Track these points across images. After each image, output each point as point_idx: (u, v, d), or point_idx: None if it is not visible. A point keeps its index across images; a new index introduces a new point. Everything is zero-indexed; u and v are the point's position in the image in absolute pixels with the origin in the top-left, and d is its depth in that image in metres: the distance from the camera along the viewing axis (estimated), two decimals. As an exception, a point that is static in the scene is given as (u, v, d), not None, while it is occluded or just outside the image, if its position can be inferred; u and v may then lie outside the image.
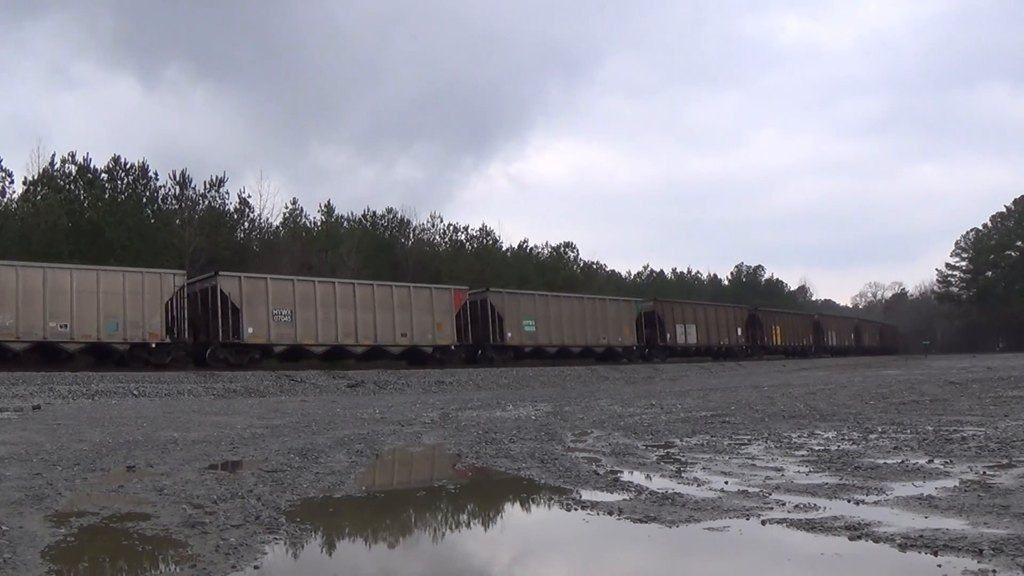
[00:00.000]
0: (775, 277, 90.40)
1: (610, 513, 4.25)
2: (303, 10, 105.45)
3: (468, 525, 4.71)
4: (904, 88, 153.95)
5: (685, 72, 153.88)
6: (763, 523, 3.87)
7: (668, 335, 36.15)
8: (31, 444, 7.59)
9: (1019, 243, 79.56)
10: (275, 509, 4.40)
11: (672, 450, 6.77)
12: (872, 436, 7.33)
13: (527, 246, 53.64)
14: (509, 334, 28.65)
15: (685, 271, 77.77)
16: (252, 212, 38.33)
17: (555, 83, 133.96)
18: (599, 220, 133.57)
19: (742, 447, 6.83)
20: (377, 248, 40.73)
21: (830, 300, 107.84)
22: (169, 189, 35.23)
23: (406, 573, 3.67)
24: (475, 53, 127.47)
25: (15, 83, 72.99)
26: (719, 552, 3.56)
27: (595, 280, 55.29)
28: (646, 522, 4.00)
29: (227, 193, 36.91)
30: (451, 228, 47.49)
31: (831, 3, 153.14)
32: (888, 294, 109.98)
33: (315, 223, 41.42)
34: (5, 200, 31.03)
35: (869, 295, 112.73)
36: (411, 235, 44.79)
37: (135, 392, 17.00)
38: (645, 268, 71.90)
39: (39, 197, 30.25)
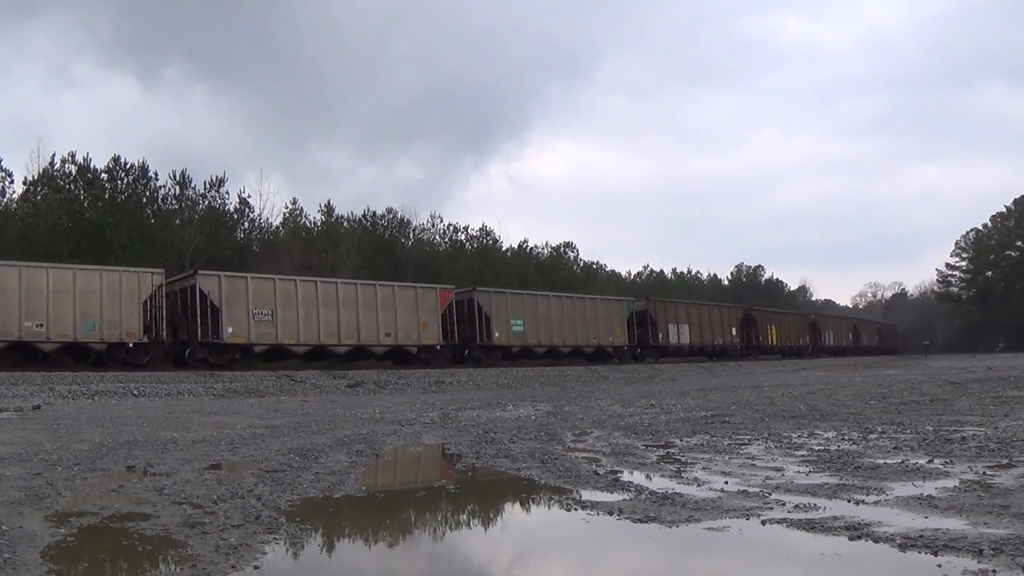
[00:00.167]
0: (775, 277, 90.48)
1: (610, 513, 4.25)
2: (302, 10, 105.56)
3: (468, 525, 4.71)
4: (904, 88, 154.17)
5: (685, 72, 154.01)
6: (763, 523, 3.87)
7: (660, 335, 35.79)
8: (31, 444, 7.59)
9: (1019, 243, 79.57)
10: (275, 509, 4.40)
11: (672, 450, 6.77)
12: (872, 436, 7.34)
13: (527, 246, 53.71)
14: (496, 334, 28.31)
15: (685, 271, 77.83)
16: (252, 212, 38.41)
17: (555, 83, 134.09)
18: (599, 220, 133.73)
19: (742, 447, 6.83)
20: (377, 248, 40.75)
21: (830, 300, 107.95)
22: (169, 189, 35.31)
23: (406, 573, 3.67)
24: (475, 53, 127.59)
25: (15, 83, 73.05)
26: (719, 552, 3.56)
27: (595, 280, 55.28)
28: (646, 522, 4.00)
29: (227, 193, 36.99)
30: (451, 228, 47.58)
31: (831, 3, 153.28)
32: (888, 294, 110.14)
33: (315, 223, 41.48)
34: (5, 200, 31.08)
35: (869, 295, 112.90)
36: (411, 235, 44.84)
37: (135, 392, 17.01)
38: (645, 268, 71.99)
39: (39, 197, 30.26)
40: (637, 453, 6.66)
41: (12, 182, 31.33)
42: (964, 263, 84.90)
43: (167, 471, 5.82)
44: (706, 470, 5.58)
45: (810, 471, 5.39)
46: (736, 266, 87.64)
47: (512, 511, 5.03)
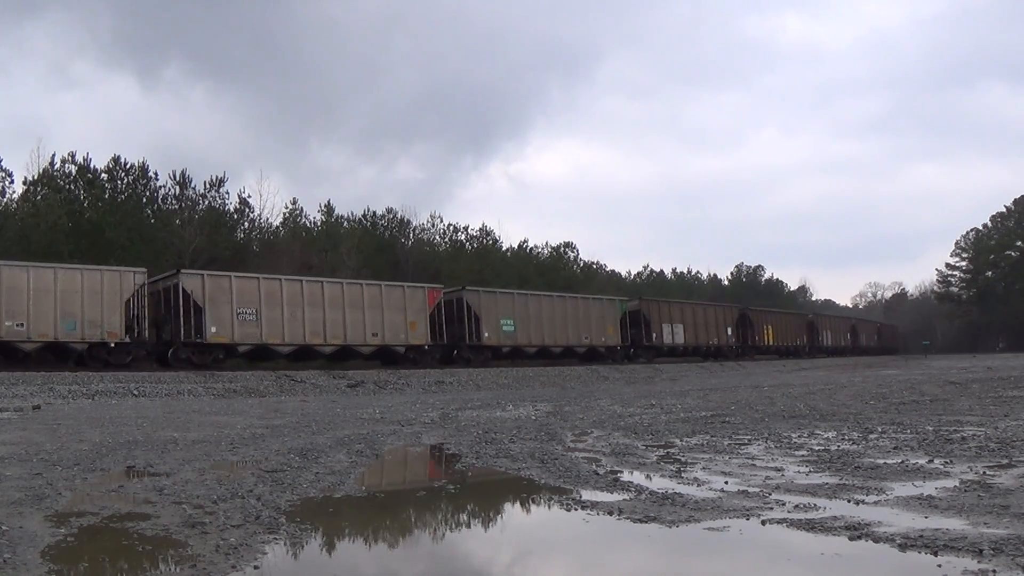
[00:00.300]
0: (775, 277, 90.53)
1: (610, 513, 4.25)
2: (302, 9, 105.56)
3: (468, 525, 4.71)
4: (904, 88, 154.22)
5: (685, 72, 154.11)
6: (763, 523, 3.87)
7: (654, 335, 35.33)
8: (31, 444, 7.59)
9: (1019, 243, 79.56)
10: (275, 509, 4.40)
11: (672, 450, 6.77)
12: (872, 436, 7.34)
13: (527, 246, 53.74)
14: (486, 334, 27.92)
15: (685, 271, 77.88)
16: (252, 212, 38.42)
17: (555, 83, 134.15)
18: (599, 220, 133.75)
19: (742, 447, 6.83)
20: (377, 248, 40.76)
21: (830, 300, 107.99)
22: (169, 189, 35.34)
23: (406, 573, 3.67)
24: (475, 53, 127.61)
25: (14, 83, 73.08)
26: (719, 552, 3.56)
27: (595, 280, 55.30)
28: (646, 522, 4.00)
29: (227, 193, 37.02)
30: (451, 228, 47.59)
31: (831, 3, 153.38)
32: (888, 294, 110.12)
33: (315, 223, 41.50)
34: (5, 200, 31.09)
35: (869, 295, 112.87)
36: (411, 235, 44.85)
37: (135, 392, 17.01)
38: (645, 268, 72.03)
39: (39, 197, 30.27)
40: (637, 453, 6.66)
41: (12, 182, 31.41)
42: (964, 263, 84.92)
43: (167, 471, 5.82)
44: (706, 470, 5.58)
45: (810, 471, 5.39)
46: (736, 266, 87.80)
47: (512, 511, 5.03)
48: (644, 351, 34.70)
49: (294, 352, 23.65)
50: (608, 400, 14.53)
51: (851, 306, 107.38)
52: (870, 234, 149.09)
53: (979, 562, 3.02)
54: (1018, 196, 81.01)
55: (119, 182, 33.81)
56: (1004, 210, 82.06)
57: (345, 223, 42.26)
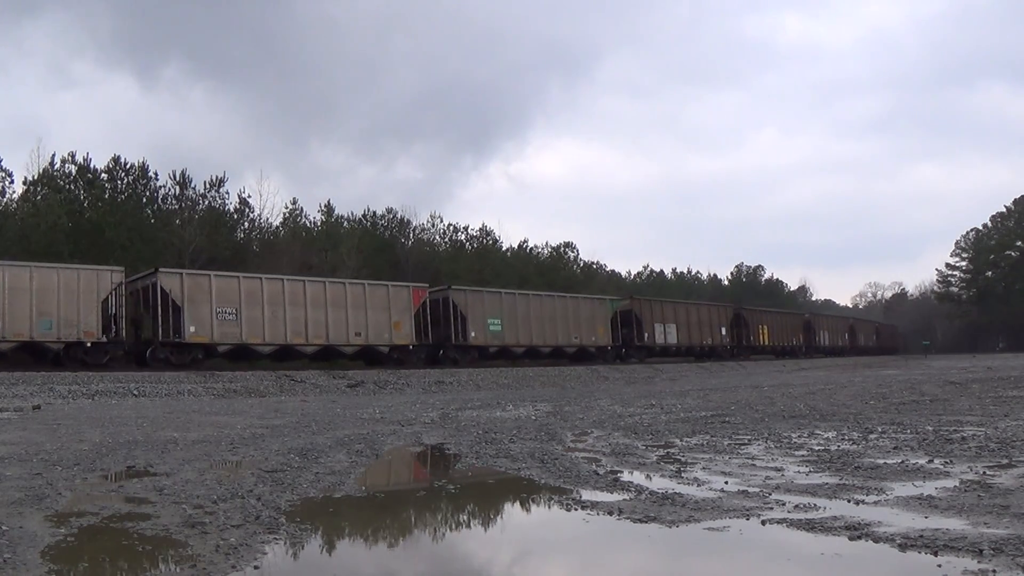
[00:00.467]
0: (775, 277, 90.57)
1: (610, 513, 4.25)
2: (302, 9, 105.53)
3: (468, 525, 4.71)
4: (904, 88, 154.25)
5: (685, 72, 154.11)
6: (763, 523, 3.88)
7: (646, 335, 34.79)
8: (31, 444, 7.59)
9: (1019, 243, 79.61)
10: (275, 509, 4.40)
11: (672, 450, 6.77)
12: (872, 436, 7.34)
13: (527, 246, 53.71)
14: (473, 333, 27.53)
15: (685, 271, 77.89)
16: (252, 212, 38.40)
17: (555, 82, 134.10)
18: (599, 220, 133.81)
19: (742, 447, 6.83)
20: (377, 248, 40.75)
21: (830, 300, 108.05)
22: (169, 189, 35.30)
23: (406, 573, 3.67)
24: (475, 53, 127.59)
25: (14, 83, 73.05)
26: (719, 552, 3.56)
27: (595, 280, 55.30)
28: (646, 522, 4.01)
29: (227, 193, 36.97)
30: (451, 228, 47.56)
31: (831, 3, 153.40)
32: (888, 294, 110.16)
33: (315, 223, 41.48)
34: (5, 200, 31.07)
35: (869, 295, 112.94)
36: (411, 235, 44.82)
37: (135, 392, 17.01)
38: (645, 268, 72.02)
39: (39, 197, 30.25)
40: (637, 453, 6.66)
41: (12, 182, 31.39)
42: (964, 263, 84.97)
43: (167, 471, 5.82)
44: (706, 470, 5.58)
45: (810, 471, 5.39)
46: (736, 266, 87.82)
47: (512, 511, 5.03)
48: (636, 351, 34.19)
49: (275, 352, 23.33)
50: (608, 400, 14.54)
51: (851, 306, 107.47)
52: (870, 234, 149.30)
53: (979, 562, 3.02)
54: (1018, 196, 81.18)
55: (119, 182, 33.80)
56: (1004, 210, 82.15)
57: (345, 223, 42.25)
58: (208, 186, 36.07)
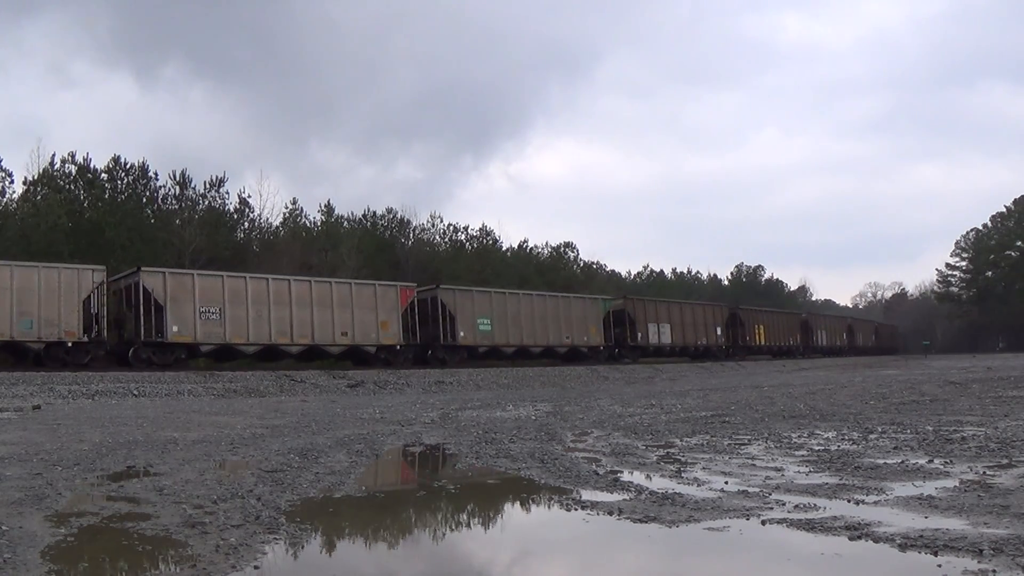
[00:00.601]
0: (775, 277, 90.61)
1: (610, 513, 4.25)
2: (301, 9, 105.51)
3: (468, 525, 4.71)
4: (904, 88, 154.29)
5: (685, 71, 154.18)
6: (763, 523, 3.88)
7: (639, 335, 34.38)
8: (31, 444, 7.59)
9: (1019, 243, 79.60)
10: (275, 509, 4.40)
11: (672, 450, 6.77)
12: (872, 436, 7.34)
13: (527, 246, 53.75)
14: (462, 333, 27.27)
15: (685, 271, 77.93)
16: (252, 212, 38.42)
17: (555, 82, 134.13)
18: (599, 220, 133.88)
19: (742, 447, 6.83)
20: (377, 248, 40.76)
21: (830, 300, 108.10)
22: (169, 189, 35.34)
23: (406, 573, 3.67)
24: (475, 52, 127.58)
25: (13, 82, 73.04)
26: (719, 552, 3.56)
27: (595, 280, 55.33)
28: (646, 522, 4.00)
29: (227, 193, 37.01)
30: (451, 228, 47.57)
31: (831, 2, 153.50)
32: (888, 294, 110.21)
33: (315, 223, 41.50)
34: (5, 200, 31.08)
35: (869, 295, 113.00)
36: (411, 235, 44.83)
37: (135, 392, 17.01)
38: (645, 268, 72.10)
39: (39, 197, 30.26)
40: (637, 453, 6.66)
41: (12, 182, 31.40)
42: (964, 263, 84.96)
43: (167, 471, 5.82)
44: (706, 470, 5.58)
45: (810, 471, 5.39)
46: (736, 266, 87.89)
47: (512, 511, 5.03)
48: (629, 351, 33.79)
49: (260, 352, 23.12)
50: (608, 400, 14.53)
51: (851, 306, 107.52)
52: (870, 234, 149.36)
53: (979, 562, 3.02)
54: (1018, 196, 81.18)
55: (119, 182, 33.82)
56: (1004, 210, 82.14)
57: (345, 223, 42.27)
58: (208, 186, 36.14)
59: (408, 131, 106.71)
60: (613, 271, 65.87)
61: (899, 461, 5.65)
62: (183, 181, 35.26)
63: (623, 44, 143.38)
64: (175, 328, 21.04)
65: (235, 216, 37.65)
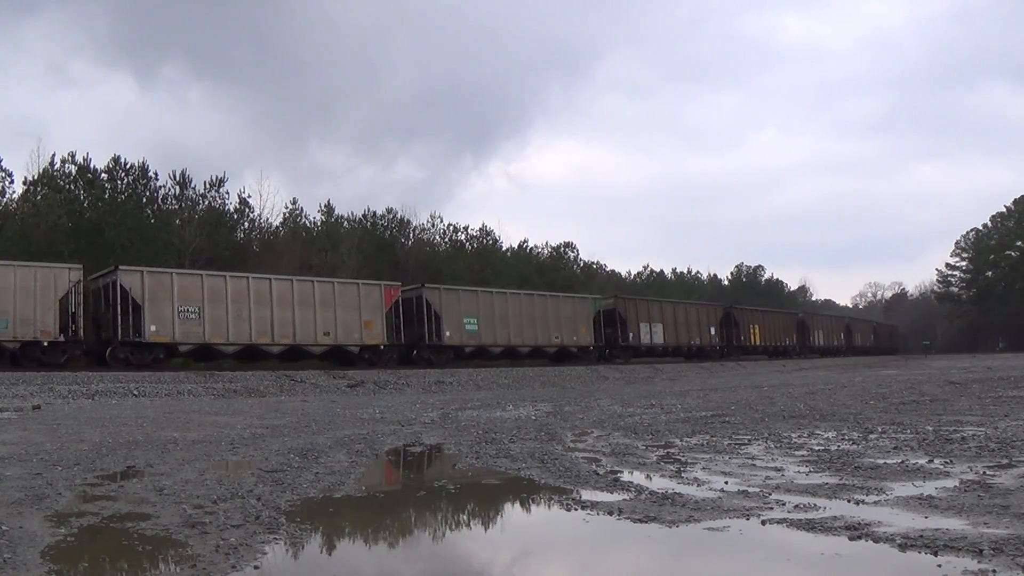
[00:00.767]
0: (775, 277, 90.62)
1: (610, 513, 4.25)
2: (301, 8, 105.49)
3: (468, 525, 4.71)
4: (905, 88, 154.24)
5: (685, 71, 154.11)
6: (763, 523, 3.88)
7: (631, 334, 33.86)
8: (31, 444, 7.59)
9: (1019, 243, 79.58)
10: (275, 509, 4.41)
11: (672, 450, 6.77)
12: (872, 436, 7.34)
13: (527, 246, 53.75)
14: (448, 333, 26.94)
15: (685, 271, 77.93)
16: (252, 212, 38.43)
17: (555, 82, 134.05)
18: (599, 220, 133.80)
19: (742, 447, 6.83)
20: (377, 248, 40.77)
21: (830, 300, 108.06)
22: (169, 189, 35.33)
23: (406, 573, 3.67)
24: (474, 52, 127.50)
25: (12, 82, 73.00)
26: (719, 552, 3.56)
27: (595, 280, 55.35)
28: (646, 522, 4.01)
29: (227, 193, 37.01)
30: (451, 228, 47.57)
31: (831, 2, 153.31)
32: (888, 294, 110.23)
33: (315, 223, 41.51)
34: (5, 200, 31.09)
35: (869, 295, 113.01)
36: (411, 235, 44.84)
37: (135, 392, 17.01)
38: (645, 268, 72.09)
39: (39, 197, 30.26)
40: (637, 453, 6.66)
41: (12, 182, 31.41)
42: (964, 263, 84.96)
43: (167, 471, 5.82)
44: (706, 470, 5.58)
45: (810, 471, 5.39)
46: (736, 266, 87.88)
47: (512, 511, 5.03)
48: (621, 351, 33.35)
49: (240, 352, 22.91)
50: (608, 400, 14.54)
51: (851, 306, 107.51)
52: (870, 234, 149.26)
53: (979, 562, 3.02)
54: (1018, 196, 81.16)
55: (119, 182, 33.81)
56: (1004, 210, 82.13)
57: (345, 223, 42.28)
58: (208, 186, 36.14)
59: (408, 131, 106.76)
60: (613, 271, 65.99)
61: (899, 461, 5.65)
62: (183, 181, 35.29)
63: (623, 44, 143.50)
64: (153, 328, 20.80)
65: (235, 216, 37.67)
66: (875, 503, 4.25)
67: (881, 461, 5.70)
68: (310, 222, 41.41)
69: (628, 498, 4.62)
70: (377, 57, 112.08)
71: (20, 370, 18.03)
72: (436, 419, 10.72)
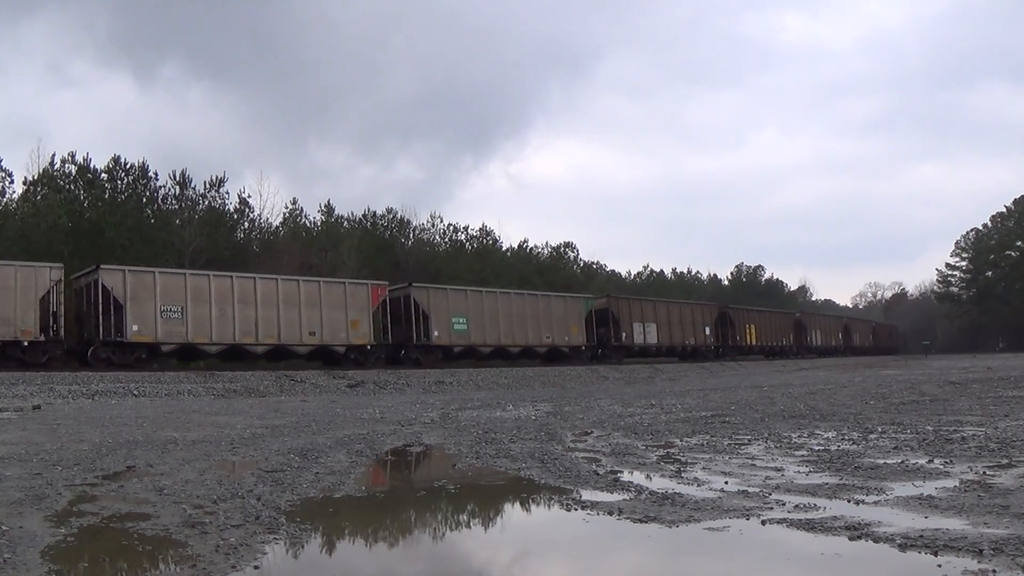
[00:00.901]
0: (775, 277, 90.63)
1: (610, 513, 4.25)
2: (301, 8, 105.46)
3: (468, 525, 4.71)
4: (905, 87, 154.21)
5: (685, 71, 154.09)
6: (763, 523, 3.88)
7: (624, 334, 33.52)
8: (31, 444, 7.59)
9: (1019, 243, 79.61)
10: (275, 509, 4.41)
11: (672, 450, 6.77)
12: (872, 436, 7.34)
13: (527, 246, 53.76)
14: (436, 333, 26.65)
15: (685, 271, 77.94)
16: (252, 212, 38.42)
17: (555, 82, 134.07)
18: (599, 220, 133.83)
19: (742, 447, 6.83)
20: (377, 248, 40.78)
21: (830, 300, 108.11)
22: (169, 189, 35.31)
23: (406, 573, 3.67)
24: (474, 52, 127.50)
25: (12, 82, 72.99)
26: (719, 552, 3.56)
27: (595, 280, 55.37)
28: (646, 522, 4.01)
29: (227, 193, 36.99)
30: (451, 228, 47.58)
31: (831, 2, 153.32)
32: (888, 294, 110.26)
33: (315, 223, 41.51)
34: (5, 200, 31.08)
35: (869, 295, 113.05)
36: (411, 235, 44.85)
37: (135, 392, 17.01)
38: (645, 268, 72.08)
39: (39, 197, 30.26)
40: (637, 453, 6.66)
41: (12, 182, 31.40)
42: (964, 263, 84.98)
43: (167, 471, 5.82)
44: (706, 470, 5.58)
45: (810, 471, 5.39)
46: (736, 266, 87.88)
47: (512, 511, 5.03)
48: (613, 351, 32.99)
49: (224, 352, 22.73)
50: (608, 400, 14.53)
51: (851, 306, 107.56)
52: (870, 234, 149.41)
53: (979, 562, 3.02)
54: (1018, 196, 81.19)
55: (119, 182, 33.79)
56: (1004, 210, 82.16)
57: (345, 223, 42.28)
58: (208, 186, 36.13)
59: (408, 131, 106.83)
60: (613, 271, 65.97)
61: (899, 461, 5.65)
62: (183, 181, 35.28)
63: (623, 44, 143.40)
64: (135, 327, 20.60)
65: (235, 216, 37.66)
66: (875, 503, 4.25)
67: (881, 461, 5.70)
68: (310, 222, 41.44)
69: (628, 498, 4.62)
70: (377, 57, 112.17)
71: (20, 370, 18.02)
72: (436, 419, 10.72)
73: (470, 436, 8.29)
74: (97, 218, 30.89)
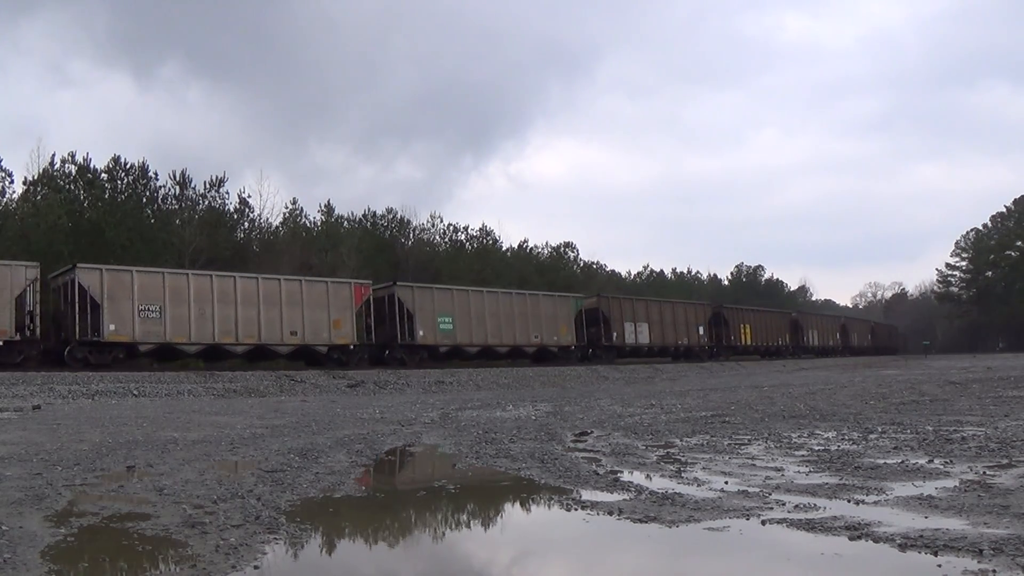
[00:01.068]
0: (775, 277, 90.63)
1: (610, 513, 4.25)
2: (300, 8, 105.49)
3: (468, 525, 4.71)
4: (905, 87, 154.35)
5: (685, 71, 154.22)
6: (763, 523, 3.88)
7: (615, 334, 33.07)
8: (31, 444, 7.59)
9: (1019, 243, 79.62)
10: (275, 509, 4.40)
11: (672, 450, 6.77)
12: (872, 436, 7.34)
13: (527, 246, 53.76)
14: (421, 332, 26.30)
15: (685, 271, 77.92)
16: (252, 212, 38.42)
17: (555, 82, 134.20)
18: (599, 220, 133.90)
19: (742, 447, 6.83)
20: (377, 248, 40.77)
21: (830, 300, 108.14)
22: (169, 189, 35.30)
23: (406, 573, 3.67)
24: (474, 52, 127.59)
25: (11, 82, 73.03)
26: (719, 552, 3.56)
27: (595, 280, 55.34)
28: (646, 522, 4.01)
29: (227, 193, 37.00)
30: (451, 228, 47.57)
31: (831, 2, 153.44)
32: (888, 294, 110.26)
33: (315, 223, 41.49)
34: (5, 200, 31.07)
35: (869, 295, 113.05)
36: (411, 235, 44.85)
37: (135, 392, 17.01)
38: (645, 268, 72.05)
39: (39, 197, 30.26)
40: (637, 453, 6.66)
41: (12, 182, 31.39)
42: (964, 263, 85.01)
43: (167, 471, 5.82)
44: (706, 470, 5.58)
45: (810, 471, 5.39)
46: (736, 266, 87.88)
47: (512, 511, 5.03)
48: (604, 351, 32.61)
49: (203, 352, 22.47)
50: (608, 400, 14.53)
51: (851, 306, 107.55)
52: (870, 234, 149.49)
53: (979, 562, 3.02)
54: (1018, 196, 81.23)
55: (119, 182, 33.77)
56: (1004, 210, 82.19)
57: (345, 223, 42.27)
58: (208, 186, 36.13)
59: (407, 130, 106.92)
60: (613, 271, 65.97)
61: (899, 461, 5.65)
62: (183, 181, 35.28)
63: (623, 44, 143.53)
64: (112, 327, 20.37)
65: (235, 216, 37.66)
66: (875, 503, 4.25)
67: (881, 461, 5.70)
68: (310, 222, 41.42)
69: (628, 498, 4.62)
70: (377, 57, 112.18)
71: (20, 370, 18.00)
72: (436, 419, 10.72)
73: (470, 436, 8.29)
74: (97, 218, 30.87)
